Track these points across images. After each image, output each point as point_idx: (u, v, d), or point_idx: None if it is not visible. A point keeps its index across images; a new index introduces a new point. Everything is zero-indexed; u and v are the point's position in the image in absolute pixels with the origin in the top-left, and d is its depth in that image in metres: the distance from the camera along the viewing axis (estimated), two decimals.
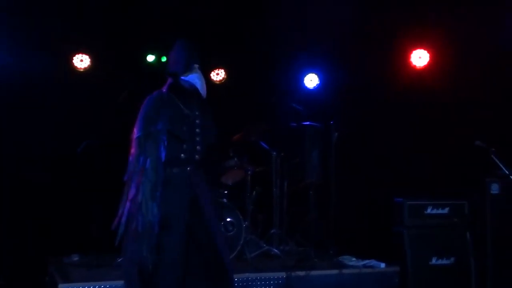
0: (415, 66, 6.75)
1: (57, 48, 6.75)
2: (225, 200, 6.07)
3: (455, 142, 6.01)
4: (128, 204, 3.62)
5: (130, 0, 6.76)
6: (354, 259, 5.67)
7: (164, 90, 3.83)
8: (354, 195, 6.69)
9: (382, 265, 5.51)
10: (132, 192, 3.59)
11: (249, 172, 6.23)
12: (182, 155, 3.71)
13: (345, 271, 5.34)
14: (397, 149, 6.62)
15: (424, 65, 6.72)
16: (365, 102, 6.90)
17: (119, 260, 5.73)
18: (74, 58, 6.96)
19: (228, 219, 5.90)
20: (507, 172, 4.70)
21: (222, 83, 7.59)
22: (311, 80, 7.70)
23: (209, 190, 3.83)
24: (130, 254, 3.58)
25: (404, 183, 6.24)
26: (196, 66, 3.85)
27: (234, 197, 6.16)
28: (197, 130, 3.78)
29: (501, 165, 4.74)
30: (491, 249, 5.45)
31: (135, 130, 3.69)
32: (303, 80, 7.72)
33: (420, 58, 6.73)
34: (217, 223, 3.84)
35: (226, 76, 7.61)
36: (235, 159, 6.21)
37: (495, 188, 5.47)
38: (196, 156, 3.77)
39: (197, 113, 3.79)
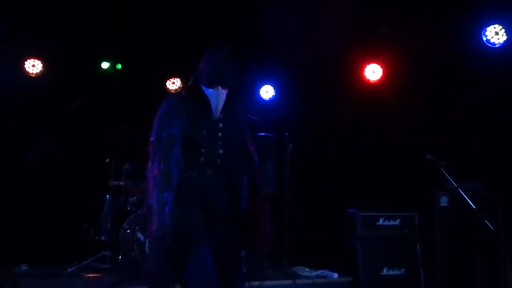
0: (368, 80, 6.87)
1: (8, 52, 6.59)
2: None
3: (407, 156, 6.14)
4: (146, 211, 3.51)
5: (84, 5, 6.65)
6: (307, 269, 5.72)
7: (183, 92, 3.69)
8: (308, 206, 6.75)
9: (335, 275, 5.58)
10: (149, 200, 3.44)
11: None
12: (201, 158, 3.53)
13: (298, 281, 5.38)
14: (350, 161, 6.72)
15: (378, 79, 6.84)
16: (320, 114, 6.98)
17: (70, 270, 5.63)
18: (25, 63, 6.82)
19: None
20: (455, 185, 4.83)
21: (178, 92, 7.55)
22: (266, 92, 7.75)
23: (231, 198, 3.55)
24: (150, 265, 3.40)
25: (356, 195, 6.33)
26: (219, 87, 3.55)
27: None
28: (219, 134, 3.59)
29: (450, 179, 4.86)
30: (440, 260, 5.59)
31: (152, 133, 3.56)
32: (258, 91, 7.76)
33: (373, 72, 6.85)
34: (233, 241, 3.54)
35: (182, 84, 7.56)
36: None
37: (444, 201, 5.62)
38: (218, 160, 3.56)
39: (221, 116, 3.60)
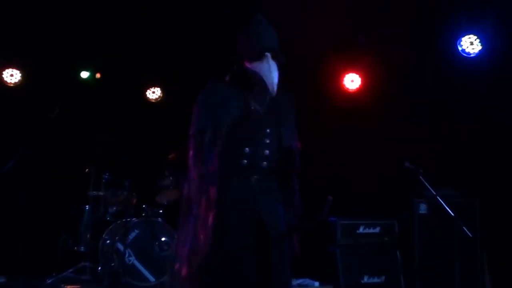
0: (347, 89, 6.94)
1: None
2: (160, 219, 6.02)
3: (386, 163, 6.20)
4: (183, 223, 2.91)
5: (64, 14, 6.62)
6: None
7: (226, 79, 3.10)
8: None
9: (316, 283, 5.60)
10: (184, 214, 2.91)
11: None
12: (244, 161, 2.94)
13: None
14: (330, 169, 6.76)
15: (356, 88, 6.91)
16: (298, 122, 7.01)
17: (49, 281, 5.57)
18: (4, 72, 6.76)
19: (163, 239, 5.83)
20: (433, 192, 4.89)
21: (158, 102, 7.53)
22: None
23: (279, 208, 3.03)
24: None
25: (336, 203, 6.35)
26: (269, 54, 2.95)
27: (169, 217, 6.11)
28: (267, 130, 3.00)
29: (428, 186, 4.92)
30: (419, 267, 5.64)
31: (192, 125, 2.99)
32: None
33: (352, 81, 6.92)
34: (283, 254, 3.03)
35: (162, 94, 7.55)
36: (170, 178, 6.17)
37: (423, 208, 5.68)
38: (264, 163, 2.97)
39: (268, 109, 3.00)
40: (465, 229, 4.69)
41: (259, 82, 2.94)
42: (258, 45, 2.96)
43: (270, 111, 3.00)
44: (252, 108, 2.97)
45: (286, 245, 3.05)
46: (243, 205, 2.91)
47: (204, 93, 3.03)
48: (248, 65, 3.00)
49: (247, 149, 2.94)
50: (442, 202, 4.80)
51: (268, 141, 3.00)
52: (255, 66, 2.97)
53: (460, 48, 6.16)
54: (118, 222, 5.99)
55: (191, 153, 2.93)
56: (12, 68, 6.78)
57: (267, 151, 2.99)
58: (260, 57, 2.95)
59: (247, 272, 2.84)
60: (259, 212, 2.92)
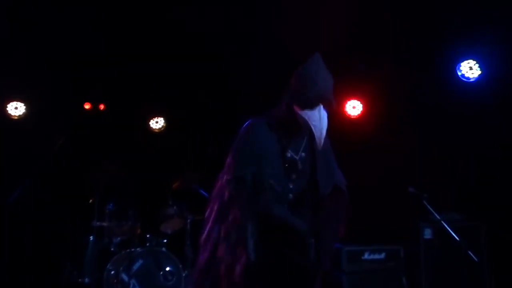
0: (349, 115, 6.98)
1: None
2: (164, 249, 5.99)
3: (389, 189, 6.20)
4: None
5: (67, 47, 6.71)
6: None
7: (265, 120, 3.03)
8: None
9: None
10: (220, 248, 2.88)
11: (188, 220, 6.19)
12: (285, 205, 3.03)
13: None
14: None
15: (358, 114, 6.96)
16: None
17: None
18: (8, 105, 6.82)
19: (168, 269, 5.80)
20: (438, 217, 4.88)
21: (161, 131, 7.58)
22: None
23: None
24: None
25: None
26: (321, 107, 2.93)
27: (173, 246, 6.09)
28: (294, 176, 3.04)
29: (432, 211, 4.91)
30: None
31: (229, 168, 2.96)
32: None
33: (354, 108, 6.97)
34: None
35: (166, 124, 7.60)
36: (174, 207, 6.17)
37: (428, 233, 5.66)
38: (285, 206, 3.04)
39: (303, 154, 3.05)
40: (470, 253, 4.67)
41: (305, 130, 2.93)
42: (313, 93, 2.90)
43: (304, 156, 3.04)
44: (289, 155, 3.01)
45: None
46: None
47: (246, 134, 3.00)
48: (298, 110, 2.94)
49: (290, 195, 3.03)
50: (447, 227, 4.79)
51: (292, 186, 3.04)
52: (305, 113, 2.91)
53: (459, 73, 6.21)
54: (122, 252, 5.96)
55: (225, 200, 2.92)
56: (16, 101, 6.84)
57: (290, 195, 3.04)
58: (312, 107, 2.90)
59: None
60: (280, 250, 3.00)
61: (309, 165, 3.07)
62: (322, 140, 2.95)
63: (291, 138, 3.00)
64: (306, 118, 2.92)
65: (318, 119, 2.91)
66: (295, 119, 2.95)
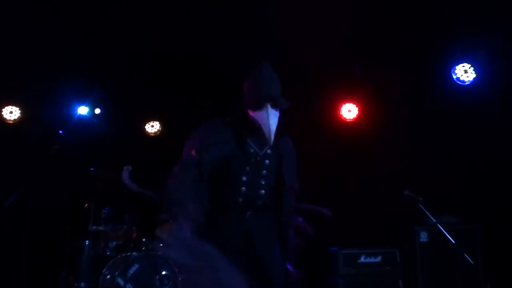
0: (345, 118, 7.00)
1: None
2: (160, 253, 5.98)
3: (385, 192, 6.21)
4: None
5: (60, 50, 6.70)
6: None
7: (228, 119, 3.23)
8: None
9: None
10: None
11: None
12: (240, 199, 3.12)
13: None
14: (329, 198, 6.74)
15: (354, 118, 6.97)
16: (297, 151, 7.03)
17: None
18: (3, 110, 6.80)
19: (164, 273, 5.78)
20: (434, 220, 4.89)
21: (157, 135, 7.56)
22: None
23: (273, 243, 3.17)
24: None
25: (336, 232, 6.35)
26: (268, 104, 3.09)
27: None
28: (264, 171, 3.17)
29: (428, 214, 4.92)
30: None
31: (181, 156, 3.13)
32: None
33: (349, 111, 6.99)
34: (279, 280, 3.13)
35: (161, 128, 7.58)
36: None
37: (424, 236, 5.68)
38: (258, 202, 3.16)
39: (268, 151, 3.19)
40: (467, 256, 4.67)
41: (258, 129, 3.09)
42: (259, 94, 3.10)
43: (270, 153, 3.19)
44: (252, 150, 3.16)
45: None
46: (239, 237, 3.09)
47: (201, 129, 3.20)
48: (251, 112, 3.13)
49: (243, 188, 3.13)
50: (443, 230, 4.80)
51: (263, 182, 3.18)
52: (256, 114, 3.10)
53: (454, 76, 6.23)
54: (118, 256, 5.94)
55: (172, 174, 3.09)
56: (12, 105, 6.82)
57: (262, 191, 3.17)
58: (260, 107, 3.09)
59: None
60: (253, 244, 3.10)
61: (276, 162, 3.23)
62: (272, 137, 3.10)
63: (252, 135, 3.16)
64: (257, 118, 3.10)
65: (266, 117, 3.08)
66: (248, 120, 3.14)
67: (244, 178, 3.13)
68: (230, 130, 3.17)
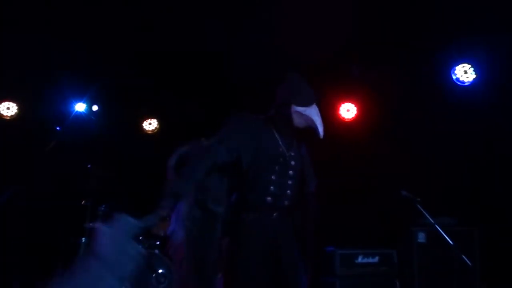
0: (343, 118, 6.98)
1: None
2: (157, 251, 5.96)
3: (383, 192, 6.19)
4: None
5: (58, 47, 6.67)
6: None
7: (261, 117, 3.28)
8: None
9: None
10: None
11: None
12: (268, 198, 3.14)
13: None
14: (326, 199, 6.73)
15: (352, 118, 6.96)
16: None
17: None
18: (0, 105, 6.78)
19: (160, 271, 5.77)
20: (432, 221, 4.87)
21: (155, 133, 7.54)
22: None
23: (294, 245, 3.22)
24: None
25: (334, 232, 6.33)
26: (315, 105, 3.25)
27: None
28: (290, 172, 3.22)
29: (426, 215, 4.89)
30: None
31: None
32: None
33: (348, 111, 6.97)
34: (300, 282, 3.17)
35: (159, 125, 7.56)
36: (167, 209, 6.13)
37: (421, 237, 5.66)
38: (285, 202, 3.20)
39: (292, 153, 3.25)
40: (464, 258, 4.65)
41: (310, 123, 3.19)
42: (310, 91, 3.24)
43: (293, 155, 3.25)
44: (280, 150, 3.20)
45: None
46: (262, 237, 3.10)
47: (234, 120, 3.20)
48: (299, 109, 3.20)
49: (272, 187, 3.14)
50: (441, 231, 4.77)
51: (290, 183, 3.21)
52: (307, 110, 3.20)
53: (454, 77, 6.21)
54: None
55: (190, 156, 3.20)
56: (9, 101, 6.80)
57: (289, 191, 3.20)
58: (311, 102, 3.21)
59: None
60: (278, 246, 3.12)
61: (300, 164, 3.30)
62: (322, 131, 3.22)
63: (283, 135, 3.23)
64: (307, 113, 3.19)
65: (317, 113, 3.22)
66: (288, 116, 3.19)
67: (273, 177, 3.14)
68: (263, 127, 3.21)
